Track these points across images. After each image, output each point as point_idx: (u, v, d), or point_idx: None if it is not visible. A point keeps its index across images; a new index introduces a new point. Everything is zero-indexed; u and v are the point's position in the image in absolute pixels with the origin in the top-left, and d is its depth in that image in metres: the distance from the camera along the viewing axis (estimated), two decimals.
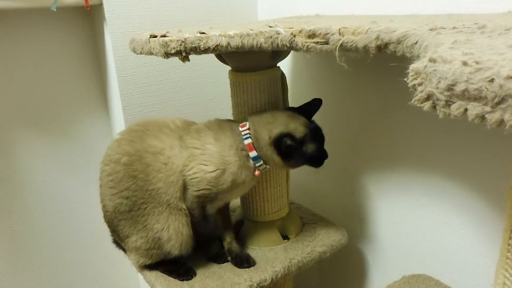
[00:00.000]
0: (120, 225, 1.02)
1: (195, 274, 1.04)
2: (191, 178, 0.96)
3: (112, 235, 1.15)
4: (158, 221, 0.99)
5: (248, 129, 0.99)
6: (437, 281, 1.05)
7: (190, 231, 1.02)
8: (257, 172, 1.00)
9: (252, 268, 1.05)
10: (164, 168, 0.96)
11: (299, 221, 1.22)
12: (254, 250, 1.12)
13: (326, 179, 1.41)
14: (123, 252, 1.15)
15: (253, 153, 0.98)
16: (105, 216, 1.04)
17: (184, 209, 1.00)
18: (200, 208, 1.01)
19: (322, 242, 1.14)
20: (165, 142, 0.98)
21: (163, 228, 0.99)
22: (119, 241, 1.07)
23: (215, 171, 0.96)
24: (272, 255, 1.09)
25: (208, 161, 0.96)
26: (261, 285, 1.01)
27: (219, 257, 1.08)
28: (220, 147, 0.97)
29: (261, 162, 0.99)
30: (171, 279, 1.03)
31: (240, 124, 1.00)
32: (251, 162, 0.99)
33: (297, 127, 0.96)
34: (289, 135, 0.95)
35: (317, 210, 1.31)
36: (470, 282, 1.05)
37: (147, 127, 1.01)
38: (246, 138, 0.98)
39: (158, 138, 0.99)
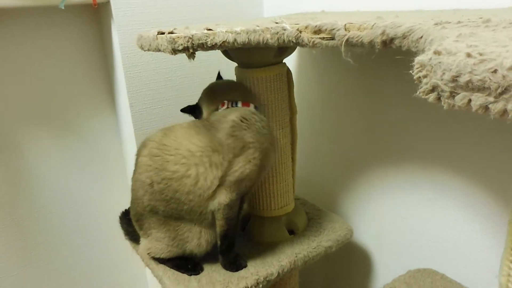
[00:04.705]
0: (149, 219, 1.03)
1: (202, 269, 1.05)
2: (240, 174, 0.94)
3: (124, 228, 1.16)
4: (190, 230, 1.01)
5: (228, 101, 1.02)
6: (442, 275, 1.06)
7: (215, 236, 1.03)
8: None
9: (258, 262, 1.06)
10: (194, 188, 0.95)
11: (305, 216, 1.23)
12: (260, 245, 1.13)
13: (332, 175, 1.42)
14: (131, 247, 1.16)
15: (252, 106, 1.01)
16: (136, 205, 1.03)
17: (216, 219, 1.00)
18: (239, 201, 1.00)
19: (328, 237, 1.15)
20: (189, 163, 0.95)
21: (194, 236, 1.01)
22: (138, 228, 1.07)
23: (262, 151, 0.96)
24: (279, 250, 1.10)
25: (254, 154, 0.94)
26: (267, 279, 1.02)
27: (233, 264, 1.04)
28: (253, 131, 0.95)
29: None
30: (179, 273, 1.04)
31: (220, 105, 1.02)
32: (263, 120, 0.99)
33: None
34: None
35: (322, 206, 1.32)
36: (475, 276, 1.05)
37: (165, 150, 0.98)
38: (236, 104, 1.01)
39: (179, 162, 0.95)
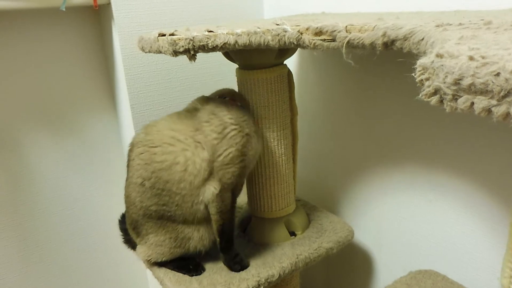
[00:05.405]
0: (145, 225, 1.03)
1: (203, 269, 1.05)
2: (224, 158, 0.97)
3: (123, 233, 1.16)
4: (189, 227, 1.02)
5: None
6: (443, 276, 1.06)
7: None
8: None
9: (259, 263, 1.06)
10: (185, 175, 0.96)
11: (306, 217, 1.23)
12: (262, 246, 1.13)
13: (333, 176, 1.42)
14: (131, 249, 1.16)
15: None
16: (131, 212, 1.03)
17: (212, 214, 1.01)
18: (231, 193, 1.02)
19: (328, 238, 1.15)
20: (175, 150, 0.97)
21: (194, 232, 1.02)
22: (134, 236, 1.07)
23: (244, 136, 0.99)
24: (280, 251, 1.10)
25: (236, 138, 0.98)
26: (268, 280, 1.02)
27: (237, 264, 1.05)
28: (232, 115, 0.99)
29: None
30: (180, 274, 1.04)
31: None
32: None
33: None
34: None
35: (323, 207, 1.32)
36: (476, 277, 1.05)
37: (150, 144, 0.99)
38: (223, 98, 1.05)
39: (165, 152, 0.97)
